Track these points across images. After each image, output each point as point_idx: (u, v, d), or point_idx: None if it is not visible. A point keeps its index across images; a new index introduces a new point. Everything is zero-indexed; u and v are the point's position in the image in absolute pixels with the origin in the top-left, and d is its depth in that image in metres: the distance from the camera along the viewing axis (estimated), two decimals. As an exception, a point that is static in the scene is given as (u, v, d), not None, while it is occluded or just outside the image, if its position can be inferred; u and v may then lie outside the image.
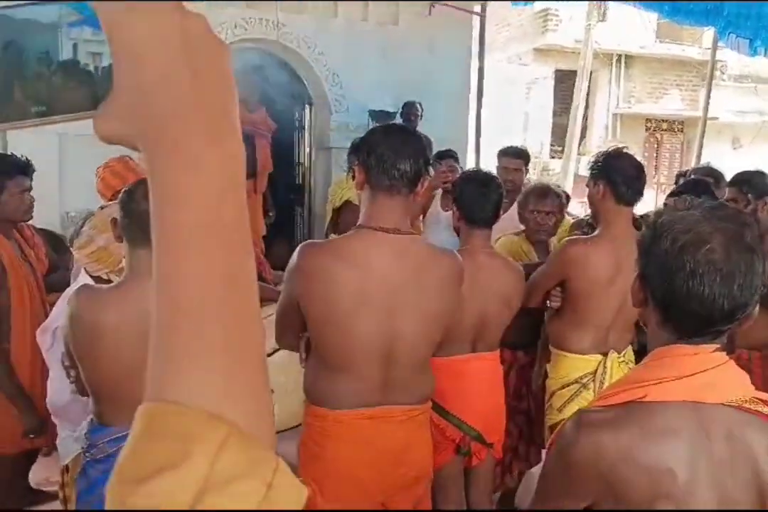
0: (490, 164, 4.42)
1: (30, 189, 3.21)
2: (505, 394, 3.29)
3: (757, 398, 1.22)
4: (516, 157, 4.25)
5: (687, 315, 1.20)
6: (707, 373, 1.21)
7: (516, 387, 3.25)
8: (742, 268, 1.17)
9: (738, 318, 1.20)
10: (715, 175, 4.56)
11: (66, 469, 2.45)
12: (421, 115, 6.24)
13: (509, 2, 6.51)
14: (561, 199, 3.36)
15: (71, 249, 2.50)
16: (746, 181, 3.71)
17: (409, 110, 6.20)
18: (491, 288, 2.67)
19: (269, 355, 2.88)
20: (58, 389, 2.39)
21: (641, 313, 1.31)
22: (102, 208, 2.48)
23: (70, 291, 2.48)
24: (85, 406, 2.31)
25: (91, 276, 2.47)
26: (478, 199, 2.69)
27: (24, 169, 3.07)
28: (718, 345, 1.24)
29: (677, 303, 1.20)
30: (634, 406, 1.20)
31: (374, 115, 5.74)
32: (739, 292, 1.17)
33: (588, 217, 4.10)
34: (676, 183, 4.65)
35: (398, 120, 5.96)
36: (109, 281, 2.45)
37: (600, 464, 1.16)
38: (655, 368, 1.25)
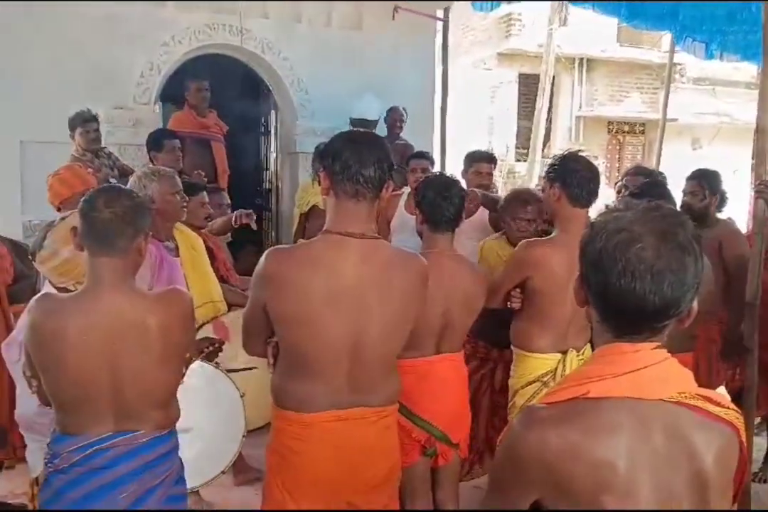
0: (455, 168, 4.47)
1: None
2: (491, 391, 3.35)
3: (699, 394, 1.26)
4: (488, 161, 4.34)
5: (621, 312, 1.24)
6: (647, 370, 1.24)
7: (503, 384, 3.27)
8: (673, 266, 1.20)
9: (671, 315, 1.24)
10: (646, 172, 4.77)
11: (36, 481, 2.43)
12: (405, 121, 6.26)
13: (472, 8, 6.55)
14: (540, 205, 3.37)
15: (33, 262, 2.46)
16: (705, 177, 4.02)
17: (394, 116, 6.21)
18: (455, 290, 2.70)
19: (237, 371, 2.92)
20: (26, 401, 2.36)
21: (586, 312, 1.34)
22: (63, 218, 2.45)
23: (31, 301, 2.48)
24: (52, 419, 2.29)
25: (57, 288, 2.45)
26: (440, 202, 2.72)
27: None
28: (659, 343, 1.28)
29: (612, 300, 1.23)
30: (577, 403, 1.23)
31: (355, 123, 5.74)
32: (670, 290, 1.20)
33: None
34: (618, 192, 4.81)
35: (380, 127, 5.96)
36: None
37: (544, 459, 1.19)
38: (597, 365, 1.28)
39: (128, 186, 3.00)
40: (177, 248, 3.40)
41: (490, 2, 6.36)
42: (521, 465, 1.22)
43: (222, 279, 3.87)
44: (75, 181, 3.73)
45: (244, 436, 2.87)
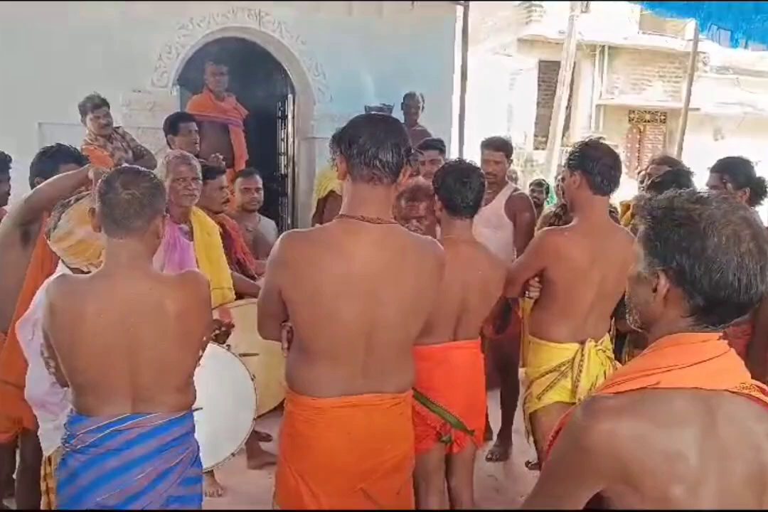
0: (474, 155, 4.41)
1: (2, 180, 3.27)
2: None
3: (756, 385, 1.27)
4: (497, 149, 4.20)
5: (730, 306, 1.24)
6: (715, 360, 1.25)
7: None
8: (766, 256, 1.23)
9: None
10: (672, 162, 4.61)
11: (48, 461, 2.47)
12: (423, 107, 6.21)
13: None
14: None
15: (48, 241, 2.48)
16: (728, 169, 3.62)
17: (410, 102, 6.15)
18: (472, 277, 2.68)
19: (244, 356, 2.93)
20: (37, 380, 2.39)
21: (648, 309, 1.32)
22: (78, 199, 2.47)
23: (48, 282, 2.48)
24: (63, 397, 2.33)
25: (70, 269, 2.46)
26: (459, 188, 2.70)
27: None
28: (722, 333, 1.29)
29: (724, 297, 1.23)
30: (647, 393, 1.23)
31: (370, 110, 5.70)
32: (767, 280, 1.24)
33: (558, 209, 4.13)
34: (642, 181, 4.64)
35: (396, 113, 5.91)
36: (89, 273, 2.41)
37: (615, 450, 1.19)
38: (666, 355, 1.28)
39: (156, 170, 3.02)
40: (191, 231, 3.40)
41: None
42: (589, 456, 1.21)
43: (239, 263, 3.87)
44: (93, 162, 3.74)
45: (254, 419, 2.87)
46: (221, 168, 4.46)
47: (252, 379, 2.84)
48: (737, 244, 1.21)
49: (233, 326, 2.81)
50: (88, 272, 2.36)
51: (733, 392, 1.24)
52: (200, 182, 3.38)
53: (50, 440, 2.45)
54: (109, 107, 4.87)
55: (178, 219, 3.33)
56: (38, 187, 2.74)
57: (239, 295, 3.54)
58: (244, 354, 2.93)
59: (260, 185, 4.46)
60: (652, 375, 1.24)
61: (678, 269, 1.24)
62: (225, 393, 2.72)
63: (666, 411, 1.21)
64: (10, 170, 3.54)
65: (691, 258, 1.22)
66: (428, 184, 2.93)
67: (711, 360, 1.25)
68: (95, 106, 4.78)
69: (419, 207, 3.01)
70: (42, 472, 2.52)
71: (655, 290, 1.28)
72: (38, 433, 2.53)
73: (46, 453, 2.49)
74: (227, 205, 3.99)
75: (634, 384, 1.24)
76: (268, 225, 4.62)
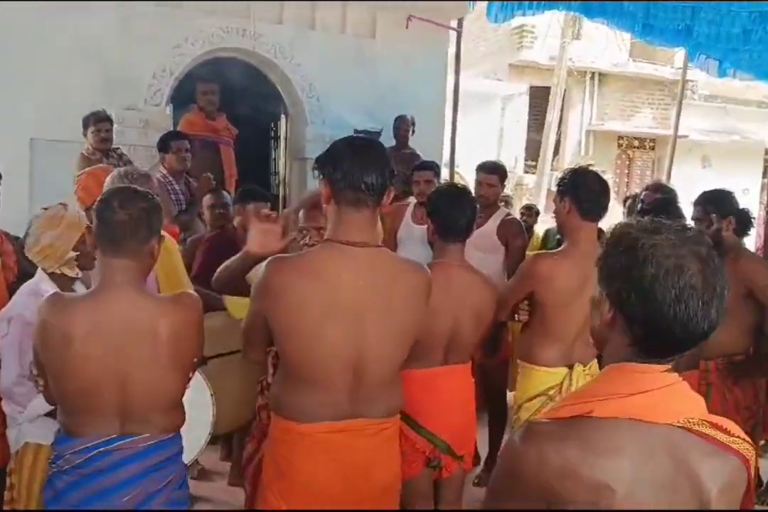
0: (463, 178, 4.44)
1: None
2: None
3: (706, 420, 1.23)
4: (490, 172, 4.23)
5: (667, 339, 1.21)
6: (655, 392, 1.21)
7: None
8: (717, 292, 1.20)
9: (707, 338, 1.23)
10: (665, 189, 4.64)
11: (13, 458, 2.52)
12: (414, 130, 6.24)
13: (486, 18, 6.57)
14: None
15: (24, 251, 2.65)
16: (710, 201, 3.62)
17: (401, 125, 6.20)
18: (464, 301, 2.69)
19: (209, 359, 2.88)
20: (6, 372, 2.49)
21: (598, 331, 1.31)
22: (45, 208, 2.64)
23: (28, 284, 2.60)
24: (30, 388, 2.37)
25: (47, 274, 2.60)
26: (452, 212, 2.71)
27: None
28: (669, 366, 1.25)
29: (659, 326, 1.20)
30: (579, 421, 1.20)
31: (358, 133, 5.73)
32: (716, 315, 1.20)
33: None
34: (625, 203, 4.68)
35: (387, 136, 5.93)
36: (63, 275, 2.59)
37: (543, 475, 1.17)
38: (604, 384, 1.26)
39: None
40: None
41: (503, 13, 6.38)
42: (520, 479, 1.20)
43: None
44: (96, 190, 3.74)
45: (210, 433, 2.82)
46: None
47: (211, 395, 2.80)
48: (677, 276, 1.17)
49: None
50: (63, 275, 2.56)
51: (678, 426, 1.20)
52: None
53: (17, 437, 2.51)
54: (112, 124, 4.88)
55: None
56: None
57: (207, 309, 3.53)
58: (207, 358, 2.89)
59: (227, 201, 4.39)
60: (587, 403, 1.21)
61: (617, 296, 1.23)
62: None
63: (595, 441, 1.18)
64: (0, 186, 3.52)
65: (628, 286, 1.21)
66: None
67: (650, 391, 1.20)
68: (98, 119, 4.80)
69: (320, 218, 2.76)
70: (8, 468, 2.53)
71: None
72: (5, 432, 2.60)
73: (12, 450, 2.52)
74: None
75: (569, 410, 1.22)
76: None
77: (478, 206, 2.84)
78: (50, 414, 2.39)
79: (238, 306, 2.81)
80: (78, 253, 2.60)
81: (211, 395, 2.80)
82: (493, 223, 4.14)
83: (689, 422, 1.21)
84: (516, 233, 4.18)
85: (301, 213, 2.71)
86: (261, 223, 2.26)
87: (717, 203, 3.57)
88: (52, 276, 2.58)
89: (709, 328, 1.20)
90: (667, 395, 1.22)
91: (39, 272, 2.60)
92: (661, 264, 1.19)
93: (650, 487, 1.16)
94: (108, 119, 4.86)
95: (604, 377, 1.28)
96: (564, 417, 1.22)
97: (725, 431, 1.23)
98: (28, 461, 2.45)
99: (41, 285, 2.54)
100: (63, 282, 2.59)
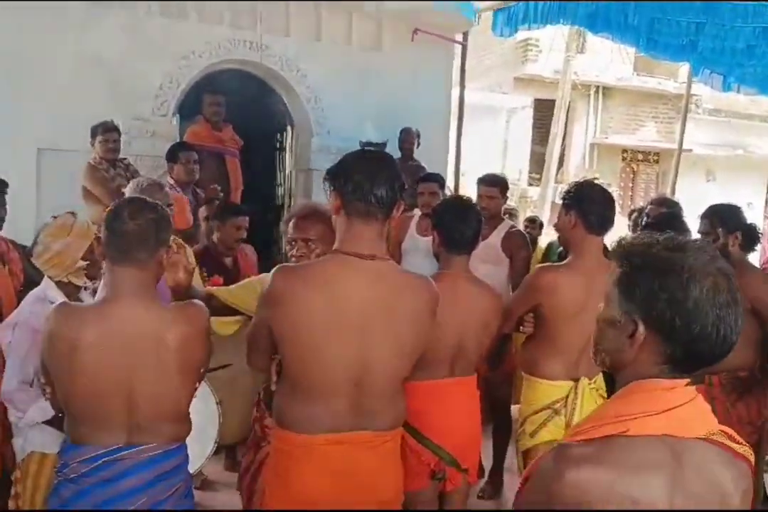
0: (470, 191, 4.45)
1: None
2: None
3: (722, 431, 1.25)
4: (491, 184, 4.25)
5: (706, 356, 1.24)
6: (683, 408, 1.23)
7: None
8: (740, 304, 1.23)
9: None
10: (671, 203, 4.63)
11: (19, 467, 2.52)
12: (419, 143, 6.26)
13: (491, 32, 6.61)
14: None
15: (32, 259, 2.65)
16: (718, 215, 3.58)
17: (406, 137, 6.22)
18: (470, 312, 2.69)
19: (213, 370, 2.88)
20: (8, 378, 2.50)
21: (621, 352, 1.29)
22: (54, 217, 2.66)
23: (37, 292, 2.60)
24: (31, 395, 2.42)
25: (54, 282, 2.60)
26: (457, 225, 2.72)
27: None
28: (689, 380, 1.27)
29: (700, 346, 1.22)
30: (614, 440, 1.20)
31: (364, 145, 5.74)
32: (739, 330, 1.23)
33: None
34: (630, 217, 4.69)
35: (392, 148, 5.94)
36: (70, 284, 2.60)
37: (584, 499, 1.16)
38: (634, 402, 1.25)
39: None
40: None
41: (508, 28, 6.42)
42: (558, 503, 1.19)
43: None
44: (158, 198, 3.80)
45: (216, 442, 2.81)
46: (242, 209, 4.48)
47: (218, 404, 2.80)
48: (716, 295, 1.20)
49: None
50: (70, 283, 2.56)
51: (702, 439, 1.22)
52: (173, 209, 3.42)
53: (22, 447, 2.51)
54: (119, 134, 4.91)
55: None
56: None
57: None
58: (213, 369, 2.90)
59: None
60: (621, 422, 1.21)
61: (657, 318, 1.22)
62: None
63: (634, 459, 1.18)
64: (6, 195, 3.54)
65: (672, 308, 1.20)
66: (325, 208, 2.48)
67: (680, 407, 1.22)
68: (107, 129, 4.84)
69: (309, 229, 2.67)
70: (13, 477, 2.53)
71: (630, 336, 1.26)
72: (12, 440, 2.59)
73: (18, 458, 2.53)
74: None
75: (602, 431, 1.22)
76: (245, 248, 4.56)
77: (481, 218, 2.84)
78: (50, 423, 2.41)
79: (222, 324, 2.84)
80: (87, 261, 2.60)
81: (218, 404, 2.79)
82: (497, 235, 4.15)
83: (711, 433, 1.23)
84: (520, 245, 4.19)
85: (290, 223, 2.71)
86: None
87: (724, 217, 3.53)
88: (59, 284, 2.59)
89: (737, 340, 1.23)
90: (693, 409, 1.25)
91: (45, 280, 2.61)
92: (703, 285, 1.20)
93: (685, 502, 1.18)
94: (116, 129, 4.89)
95: (631, 395, 1.27)
96: (597, 438, 1.21)
97: (733, 439, 1.26)
98: (33, 470, 2.46)
99: (48, 292, 2.56)
100: (69, 290, 2.60)
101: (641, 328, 1.24)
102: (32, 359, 2.42)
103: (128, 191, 3.32)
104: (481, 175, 4.39)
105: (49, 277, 2.60)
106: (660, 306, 1.21)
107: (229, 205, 4.21)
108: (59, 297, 2.46)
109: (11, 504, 2.50)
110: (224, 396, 2.87)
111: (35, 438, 2.47)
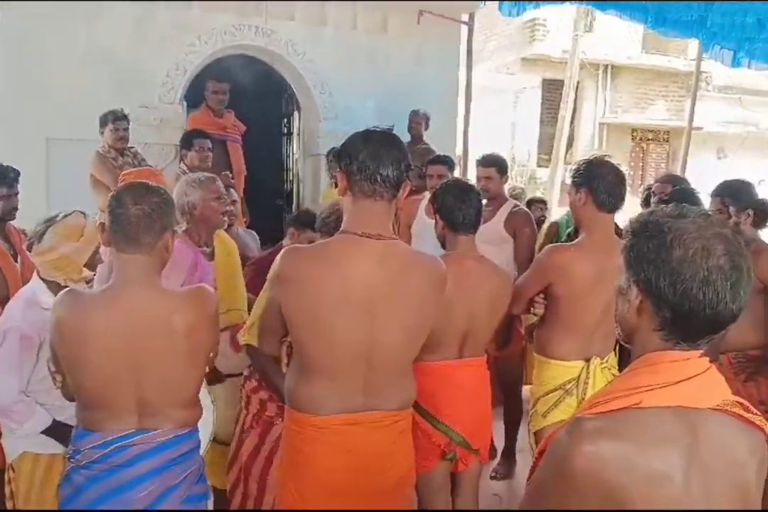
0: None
1: (10, 195, 3.32)
2: None
3: (737, 401, 1.26)
4: (488, 165, 4.24)
5: (697, 320, 1.23)
6: (697, 378, 1.24)
7: None
8: (743, 274, 1.22)
9: (734, 322, 1.24)
10: (676, 180, 4.59)
11: (11, 467, 2.50)
12: (428, 125, 6.22)
13: (498, 12, 6.53)
14: None
15: (30, 254, 2.52)
16: (729, 192, 3.53)
17: (414, 119, 6.17)
18: (478, 293, 2.68)
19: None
20: (6, 389, 2.39)
21: (625, 318, 1.32)
22: (66, 215, 2.54)
23: (24, 292, 2.54)
24: (30, 404, 2.39)
25: (44, 280, 2.51)
26: (459, 206, 2.71)
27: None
28: (703, 351, 1.27)
29: (687, 308, 1.22)
30: (629, 412, 1.21)
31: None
32: (744, 298, 1.22)
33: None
34: (643, 195, 4.67)
35: (400, 131, 5.90)
36: (65, 287, 2.41)
37: (601, 472, 1.17)
38: (647, 374, 1.26)
39: (173, 194, 2.97)
40: (213, 253, 3.37)
41: (516, 7, 6.34)
42: (573, 479, 1.19)
43: None
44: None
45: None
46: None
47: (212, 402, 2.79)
48: (705, 258, 1.20)
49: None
50: (65, 286, 2.39)
51: (715, 409, 1.23)
52: (238, 207, 3.36)
53: (13, 447, 2.49)
54: (128, 123, 4.92)
55: (203, 243, 3.25)
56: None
57: None
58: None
59: (234, 198, 4.35)
60: (634, 395, 1.22)
61: (646, 280, 1.25)
62: None
63: (649, 432, 1.19)
64: (18, 184, 3.56)
65: (657, 269, 1.23)
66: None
67: (693, 378, 1.23)
68: (117, 118, 4.84)
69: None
70: (6, 477, 2.53)
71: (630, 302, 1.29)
72: (0, 440, 2.56)
73: (8, 460, 2.52)
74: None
75: (616, 403, 1.23)
76: (246, 235, 4.56)
77: (484, 200, 2.83)
78: (47, 432, 2.41)
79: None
80: (94, 274, 2.57)
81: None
82: (501, 216, 4.14)
83: (725, 403, 1.24)
84: (524, 223, 4.18)
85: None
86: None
87: (735, 195, 3.49)
88: (51, 283, 2.50)
89: (738, 310, 1.22)
90: (707, 380, 1.25)
91: (37, 281, 2.52)
92: (689, 246, 1.21)
93: (701, 472, 1.19)
94: (125, 118, 4.90)
95: (644, 367, 1.28)
96: (612, 410, 1.22)
97: (747, 409, 1.27)
98: (26, 469, 2.46)
99: (41, 296, 2.46)
100: (59, 290, 2.51)
101: (634, 291, 1.27)
102: (28, 365, 2.37)
103: (179, 188, 3.20)
104: (479, 157, 4.38)
105: (39, 276, 2.51)
106: (647, 267, 1.24)
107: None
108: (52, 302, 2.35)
109: (9, 505, 2.50)
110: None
111: (27, 439, 2.44)
